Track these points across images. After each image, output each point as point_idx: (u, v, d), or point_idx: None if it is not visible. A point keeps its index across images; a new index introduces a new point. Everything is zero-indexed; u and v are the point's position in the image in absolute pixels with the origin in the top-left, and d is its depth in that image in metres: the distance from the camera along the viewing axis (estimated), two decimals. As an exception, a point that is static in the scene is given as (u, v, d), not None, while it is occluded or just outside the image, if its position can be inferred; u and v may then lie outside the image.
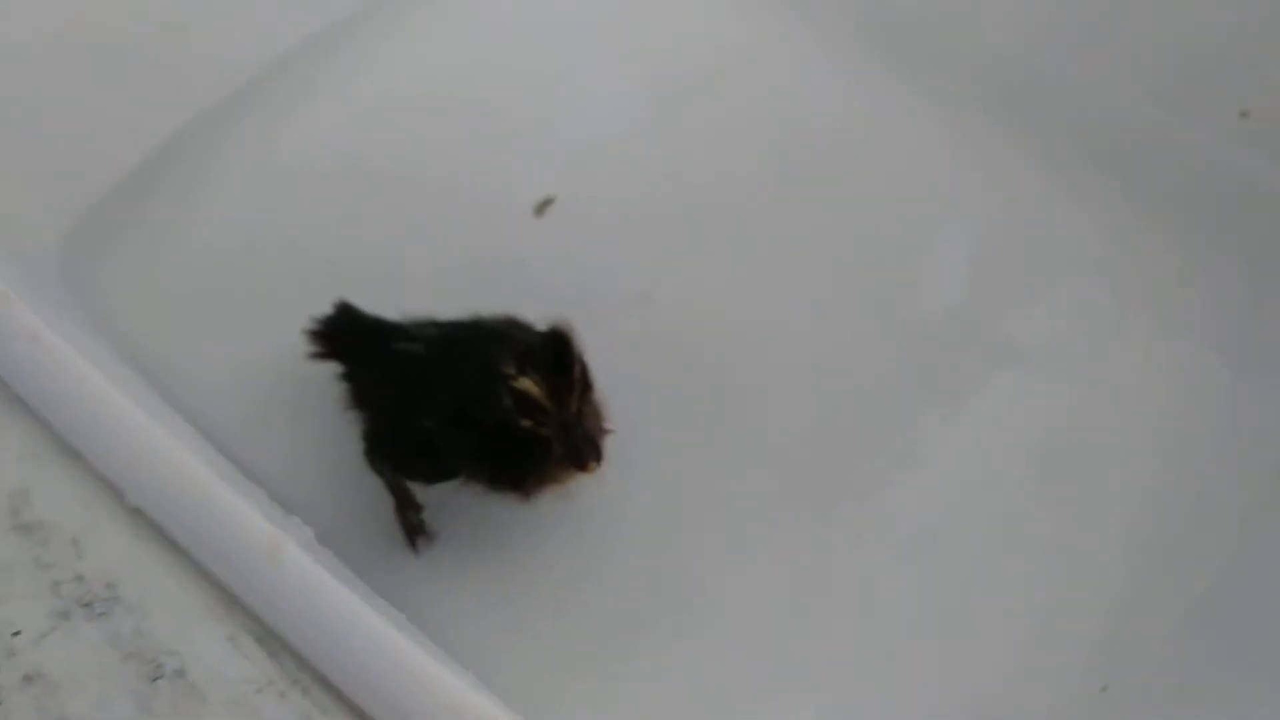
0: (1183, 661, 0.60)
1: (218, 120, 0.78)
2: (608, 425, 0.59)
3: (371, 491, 0.64)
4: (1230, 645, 0.60)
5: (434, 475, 0.61)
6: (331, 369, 0.64)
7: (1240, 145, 0.78)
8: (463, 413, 0.56)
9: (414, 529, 0.64)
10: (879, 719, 0.60)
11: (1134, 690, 0.59)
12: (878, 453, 0.69)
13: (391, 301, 0.65)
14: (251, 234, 0.75)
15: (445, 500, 0.63)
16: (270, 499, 0.58)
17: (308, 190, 0.77)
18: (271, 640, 0.47)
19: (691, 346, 0.72)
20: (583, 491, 0.60)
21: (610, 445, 0.58)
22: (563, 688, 0.60)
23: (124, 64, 0.73)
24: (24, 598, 0.47)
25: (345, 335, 0.65)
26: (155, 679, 0.46)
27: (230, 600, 0.47)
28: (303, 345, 0.65)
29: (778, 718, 0.61)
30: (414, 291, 0.66)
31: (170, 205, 0.75)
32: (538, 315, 0.61)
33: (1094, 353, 0.73)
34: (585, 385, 0.56)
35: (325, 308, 0.66)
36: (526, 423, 0.54)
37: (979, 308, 0.75)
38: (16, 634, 0.46)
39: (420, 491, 0.64)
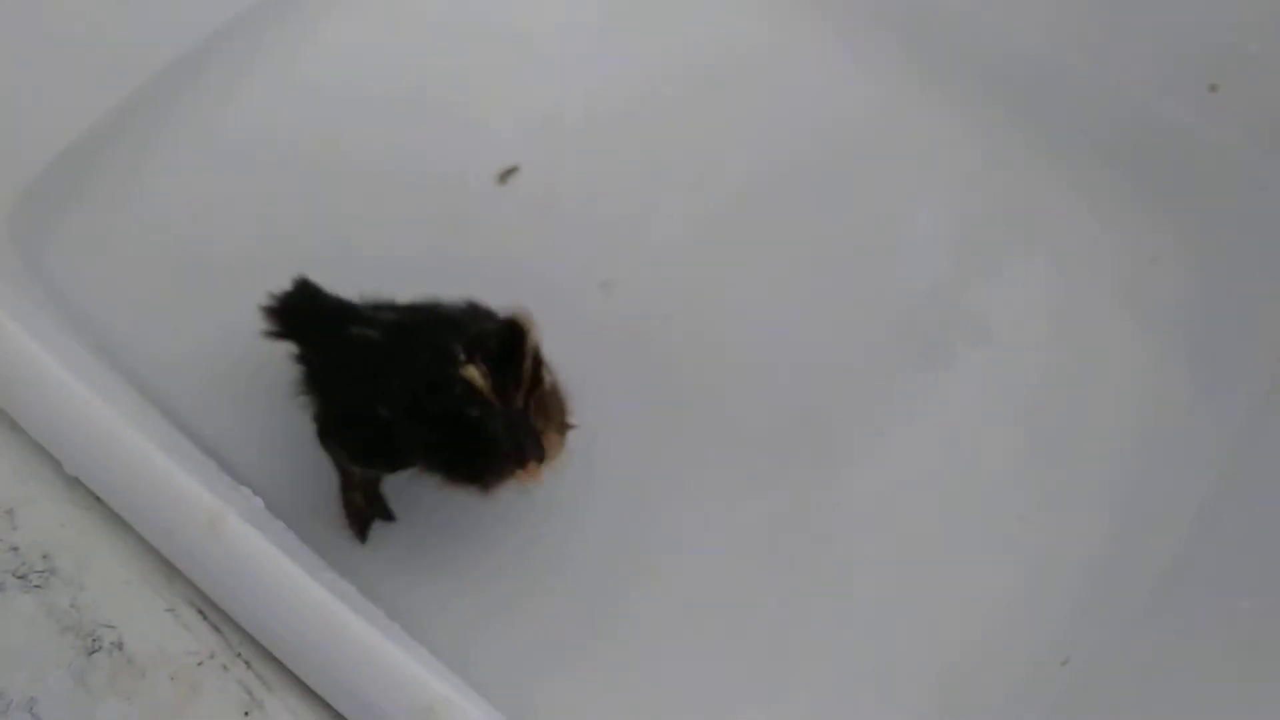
0: (1142, 637, 0.60)
1: (162, 94, 0.75)
2: (571, 420, 0.57)
3: (329, 466, 0.63)
4: (1189, 622, 0.61)
5: (388, 465, 0.59)
6: (286, 346, 0.63)
7: (1212, 120, 0.78)
8: (419, 404, 0.54)
9: (359, 514, 0.62)
10: (844, 692, 0.60)
11: (1092, 664, 0.59)
12: (844, 434, 0.68)
13: (344, 282, 0.63)
14: (201, 207, 0.73)
15: (408, 484, 0.61)
16: (220, 470, 0.57)
17: (260, 165, 0.75)
18: (214, 612, 0.46)
19: (654, 331, 0.70)
20: (545, 484, 0.57)
21: (574, 437, 0.57)
22: (527, 670, 0.59)
23: (62, 33, 0.71)
24: (-44, 570, 0.46)
25: (303, 315, 0.62)
26: (93, 652, 0.45)
27: (171, 572, 0.46)
28: (254, 319, 0.62)
29: (744, 693, 0.60)
30: (367, 272, 0.63)
31: (118, 178, 0.73)
32: (496, 299, 0.59)
33: (1067, 330, 0.73)
34: (536, 380, 0.53)
35: (277, 281, 0.63)
36: (474, 412, 0.52)
37: (955, 286, 0.74)
38: (-51, 607, 0.45)
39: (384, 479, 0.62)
